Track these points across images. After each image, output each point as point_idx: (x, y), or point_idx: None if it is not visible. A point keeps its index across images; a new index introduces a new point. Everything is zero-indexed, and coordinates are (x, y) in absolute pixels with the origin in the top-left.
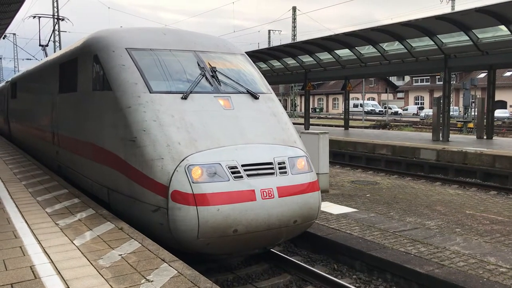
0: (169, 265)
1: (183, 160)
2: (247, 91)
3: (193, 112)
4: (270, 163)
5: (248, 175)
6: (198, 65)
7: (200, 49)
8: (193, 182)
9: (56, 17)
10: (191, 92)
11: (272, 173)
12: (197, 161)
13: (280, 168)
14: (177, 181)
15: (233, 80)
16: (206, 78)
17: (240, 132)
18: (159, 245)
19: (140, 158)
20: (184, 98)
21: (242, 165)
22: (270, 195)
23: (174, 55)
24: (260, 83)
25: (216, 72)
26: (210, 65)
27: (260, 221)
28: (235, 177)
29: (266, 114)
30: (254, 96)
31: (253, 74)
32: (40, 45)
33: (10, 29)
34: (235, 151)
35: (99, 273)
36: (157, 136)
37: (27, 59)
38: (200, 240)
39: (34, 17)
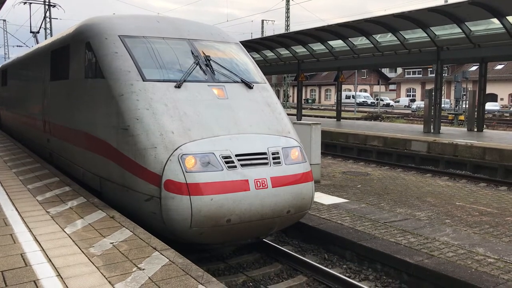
0: (161, 253)
1: (176, 149)
2: (241, 80)
3: (186, 101)
4: (264, 153)
5: (242, 165)
6: (192, 53)
7: (194, 38)
8: (186, 172)
9: (47, 3)
10: (184, 81)
11: (266, 163)
12: (191, 151)
13: (274, 158)
14: (170, 170)
15: (227, 69)
16: (200, 67)
17: (234, 122)
18: (151, 234)
19: (133, 147)
20: (178, 86)
21: (236, 155)
22: (263, 185)
23: (167, 43)
24: (255, 72)
25: (210, 61)
26: (204, 53)
27: (254, 211)
28: (228, 166)
29: (260, 104)
30: (249, 85)
31: (247, 64)
32: (31, 31)
33: (0, 15)
34: (229, 140)
35: (90, 261)
36: (150, 125)
37: (17, 46)
38: (193, 229)
39: (25, 3)
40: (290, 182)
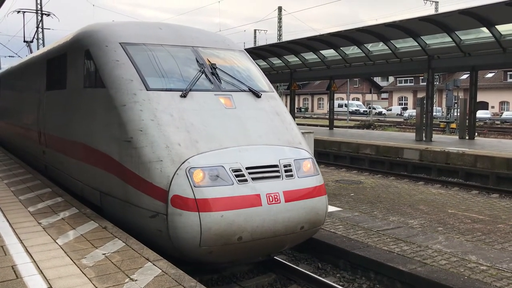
0: (153, 264)
1: (183, 162)
2: (249, 89)
3: (193, 111)
4: (276, 166)
5: (253, 179)
6: (197, 61)
7: (198, 45)
8: (194, 186)
9: (41, 12)
10: (190, 90)
11: (278, 176)
12: (199, 164)
13: (286, 171)
14: (177, 185)
15: (234, 78)
16: (206, 75)
17: (243, 133)
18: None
19: (137, 160)
20: (183, 96)
21: (247, 168)
22: (276, 199)
23: (171, 50)
24: (262, 81)
25: (216, 69)
26: (209, 61)
27: (266, 227)
28: (239, 180)
29: (269, 114)
30: (256, 94)
31: (254, 72)
32: (24, 41)
33: None
34: (239, 152)
35: (82, 272)
36: (155, 137)
37: (9, 56)
38: (202, 248)
39: (18, 12)
40: (303, 196)
